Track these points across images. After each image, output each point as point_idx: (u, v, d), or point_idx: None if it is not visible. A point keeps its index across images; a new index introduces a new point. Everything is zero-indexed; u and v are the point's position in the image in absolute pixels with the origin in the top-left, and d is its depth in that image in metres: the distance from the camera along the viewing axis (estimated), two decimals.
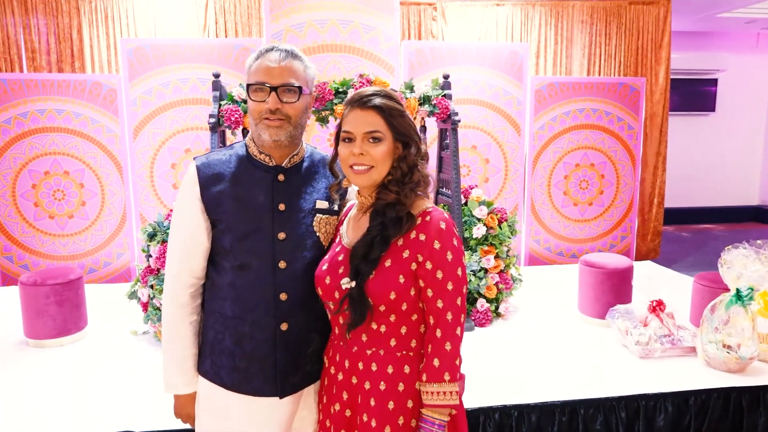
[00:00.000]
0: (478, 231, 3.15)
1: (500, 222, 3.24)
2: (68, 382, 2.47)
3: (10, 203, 4.17)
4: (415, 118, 3.35)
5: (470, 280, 3.07)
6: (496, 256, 3.18)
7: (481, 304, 3.13)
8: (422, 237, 1.24)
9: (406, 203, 1.27)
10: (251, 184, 1.35)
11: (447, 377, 1.21)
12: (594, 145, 4.71)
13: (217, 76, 3.13)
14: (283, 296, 1.33)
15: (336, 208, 1.43)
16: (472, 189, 3.34)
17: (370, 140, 1.26)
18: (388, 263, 1.24)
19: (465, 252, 3.15)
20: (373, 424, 1.22)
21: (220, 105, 3.03)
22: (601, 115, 4.67)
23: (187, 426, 1.46)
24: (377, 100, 1.26)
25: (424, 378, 1.23)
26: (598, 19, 5.08)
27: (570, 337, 2.94)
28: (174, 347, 1.38)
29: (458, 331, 1.23)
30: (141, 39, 4.37)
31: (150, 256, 2.88)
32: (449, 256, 1.22)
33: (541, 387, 2.38)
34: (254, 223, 1.33)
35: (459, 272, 1.24)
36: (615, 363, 2.63)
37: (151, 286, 2.78)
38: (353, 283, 1.23)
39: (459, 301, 1.23)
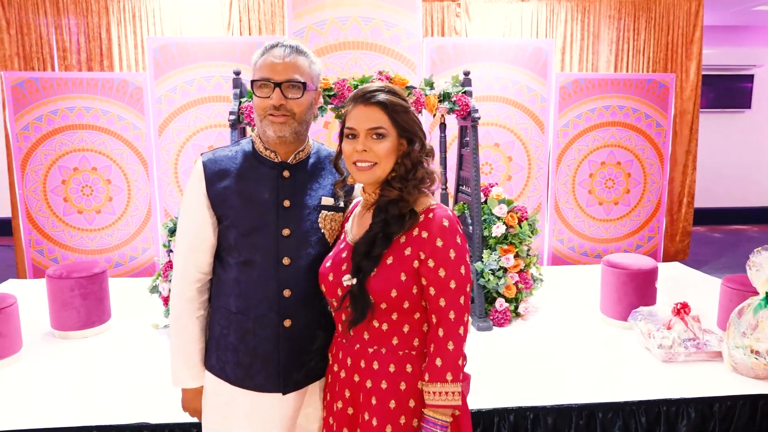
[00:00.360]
0: (498, 229, 3.11)
1: (520, 221, 3.20)
2: (90, 372, 2.52)
3: (41, 198, 4.29)
4: (434, 116, 3.32)
5: (489, 279, 3.04)
6: (516, 255, 3.13)
7: (500, 303, 3.09)
8: (424, 234, 1.22)
9: (409, 200, 1.25)
10: (256, 180, 1.35)
11: (449, 377, 1.19)
12: (620, 143, 4.60)
13: (237, 73, 3.16)
14: (286, 293, 1.33)
15: (342, 204, 1.42)
16: (492, 187, 3.30)
17: (374, 136, 1.25)
18: (389, 261, 1.23)
19: (484, 251, 3.11)
20: (374, 422, 1.21)
21: (240, 102, 3.06)
22: (628, 112, 4.56)
23: (196, 420, 1.48)
24: (381, 96, 1.25)
25: (426, 377, 1.21)
26: (626, 14, 4.96)
27: (590, 339, 2.88)
28: (181, 342, 1.40)
29: (461, 331, 1.21)
30: (166, 37, 4.45)
31: (171, 251, 2.93)
32: (452, 254, 1.20)
33: (558, 389, 2.34)
34: (258, 219, 1.33)
35: (462, 270, 1.21)
36: (636, 366, 2.56)
37: (171, 281, 2.83)
38: (354, 280, 1.22)
39: (462, 300, 1.21)
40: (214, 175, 1.34)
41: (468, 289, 1.23)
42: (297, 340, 1.36)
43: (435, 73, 4.29)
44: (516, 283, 3.14)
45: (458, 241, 1.22)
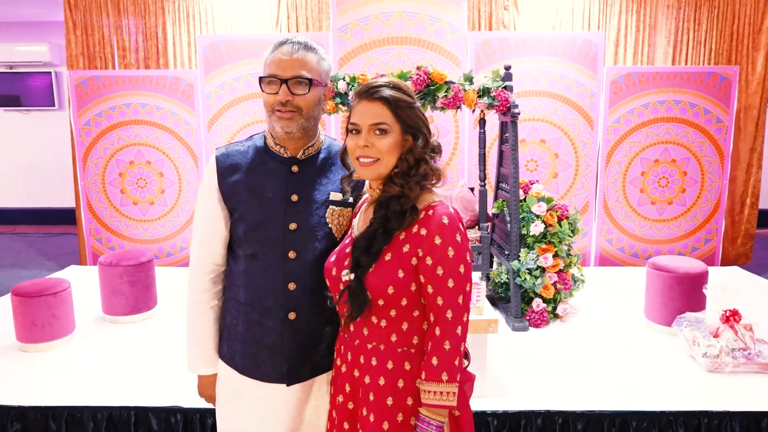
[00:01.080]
0: (536, 228, 3.03)
1: (560, 219, 3.10)
2: (133, 356, 2.66)
3: (100, 190, 4.55)
4: (473, 111, 3.27)
5: (525, 279, 2.97)
6: (555, 255, 3.05)
7: (537, 303, 3.02)
8: (423, 231, 1.21)
9: (410, 196, 1.24)
10: (265, 175, 1.38)
11: (445, 377, 1.17)
12: (676, 140, 4.37)
13: None
14: (291, 286, 1.35)
15: (351, 200, 1.42)
16: (532, 184, 3.22)
17: (376, 132, 1.24)
18: (388, 257, 1.22)
19: (522, 249, 3.04)
20: (372, 418, 1.21)
21: None
22: (685, 107, 4.32)
23: (211, 405, 1.54)
24: (384, 92, 1.24)
25: (422, 376, 1.20)
26: (686, 4, 4.69)
27: (631, 344, 2.76)
28: (195, 330, 1.45)
29: (459, 330, 1.18)
30: (215, 35, 4.60)
31: None
32: (450, 252, 1.18)
33: (591, 394, 2.26)
34: (266, 213, 1.36)
35: (461, 269, 1.19)
36: (678, 375, 2.44)
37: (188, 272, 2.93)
38: (352, 276, 1.22)
39: (461, 299, 1.19)
40: (226, 170, 1.38)
41: (468, 289, 1.21)
42: (302, 333, 1.38)
43: (480, 68, 4.22)
44: (554, 284, 3.05)
45: (458, 239, 1.19)
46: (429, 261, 1.19)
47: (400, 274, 1.20)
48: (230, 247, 1.43)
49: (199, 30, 4.85)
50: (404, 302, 1.22)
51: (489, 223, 3.38)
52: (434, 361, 1.18)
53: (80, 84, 4.44)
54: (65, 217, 6.88)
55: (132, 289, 3.08)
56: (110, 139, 4.48)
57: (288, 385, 1.38)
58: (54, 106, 7.13)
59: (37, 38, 7.01)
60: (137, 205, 4.55)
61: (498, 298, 3.36)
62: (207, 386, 1.48)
